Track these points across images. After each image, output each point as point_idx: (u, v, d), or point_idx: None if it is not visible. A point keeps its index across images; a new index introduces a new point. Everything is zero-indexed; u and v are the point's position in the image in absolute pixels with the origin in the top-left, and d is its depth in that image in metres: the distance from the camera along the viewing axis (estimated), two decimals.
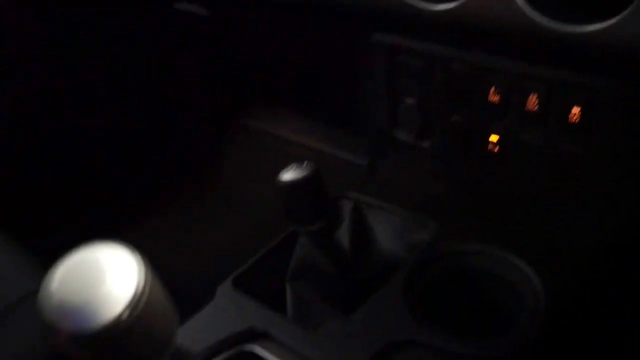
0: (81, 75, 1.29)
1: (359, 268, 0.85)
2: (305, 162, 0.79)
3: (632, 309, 0.73)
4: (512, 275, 0.76)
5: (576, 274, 0.73)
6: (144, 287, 0.40)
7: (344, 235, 0.87)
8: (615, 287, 0.73)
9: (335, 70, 1.14)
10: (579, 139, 0.74)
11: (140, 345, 0.41)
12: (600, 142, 0.72)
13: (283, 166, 0.78)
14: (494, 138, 0.82)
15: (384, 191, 0.91)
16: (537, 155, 0.79)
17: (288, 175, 0.78)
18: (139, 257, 0.42)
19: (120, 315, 0.39)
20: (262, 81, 1.33)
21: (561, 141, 0.76)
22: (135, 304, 0.40)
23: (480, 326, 0.73)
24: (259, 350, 0.69)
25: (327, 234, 0.85)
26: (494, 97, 0.79)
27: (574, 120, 0.73)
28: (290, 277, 0.83)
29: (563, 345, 0.70)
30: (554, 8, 0.64)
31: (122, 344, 0.40)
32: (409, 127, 0.92)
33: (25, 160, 1.30)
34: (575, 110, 0.72)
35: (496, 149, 0.82)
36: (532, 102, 0.76)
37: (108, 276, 0.40)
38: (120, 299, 0.39)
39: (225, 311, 0.74)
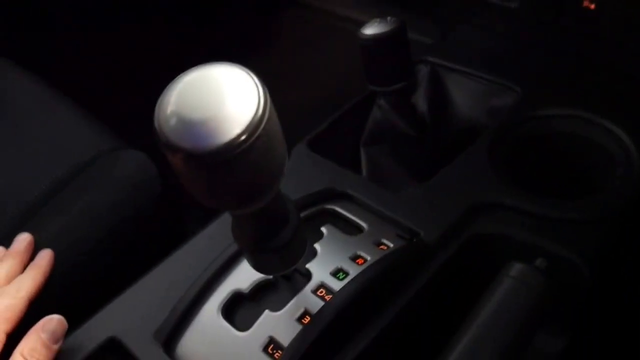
0: None
1: (436, 133, 0.82)
2: (389, 17, 0.75)
3: None
4: (603, 139, 0.72)
5: None
6: (264, 110, 0.38)
7: (421, 98, 0.83)
8: None
9: None
10: None
11: (257, 169, 0.40)
12: None
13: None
14: None
15: (463, 55, 0.86)
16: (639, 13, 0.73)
17: (371, 29, 0.74)
18: (257, 79, 0.40)
19: (239, 136, 0.38)
20: None
21: None
22: (255, 126, 0.38)
23: (570, 190, 0.70)
24: (340, 209, 0.68)
25: (405, 97, 0.81)
26: None
27: None
28: (365, 141, 0.81)
29: None
30: None
31: (239, 165, 0.39)
32: None
33: None
34: None
35: (592, 6, 0.76)
36: None
37: (227, 96, 0.39)
38: (241, 120, 0.38)
39: (302, 172, 0.72)
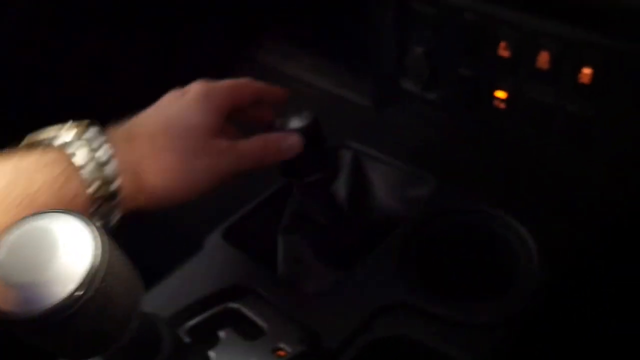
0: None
1: (355, 222, 0.83)
2: (304, 109, 0.76)
3: (632, 283, 0.70)
4: (508, 235, 0.73)
5: (575, 242, 0.71)
6: (100, 266, 0.37)
7: (341, 187, 0.84)
8: (616, 261, 0.71)
9: (347, 9, 1.09)
10: (590, 101, 0.70)
11: (96, 325, 0.39)
12: (612, 106, 0.68)
13: (285, 106, 0.75)
14: (501, 94, 0.78)
15: (385, 141, 0.88)
16: (545, 114, 0.75)
17: (284, 123, 0.75)
18: (94, 227, 0.39)
19: (72, 295, 0.36)
20: (271, 14, 1.28)
21: (571, 102, 0.72)
22: (89, 281, 0.37)
23: (477, 287, 0.71)
24: (244, 308, 0.68)
25: (323, 186, 0.82)
26: (504, 52, 0.75)
27: (584, 82, 0.69)
28: (283, 230, 0.81)
29: (558, 313, 0.68)
30: None
31: (74, 325, 0.37)
32: (416, 77, 0.89)
33: None
34: (587, 70, 0.68)
35: (503, 106, 0.78)
36: (543, 59, 0.71)
37: (57, 253, 0.37)
38: (74, 276, 0.37)
39: (212, 265, 0.72)
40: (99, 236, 0.38)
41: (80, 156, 0.55)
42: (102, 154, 0.56)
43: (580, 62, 0.68)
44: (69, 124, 0.58)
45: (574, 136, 0.73)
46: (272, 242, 0.80)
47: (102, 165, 0.56)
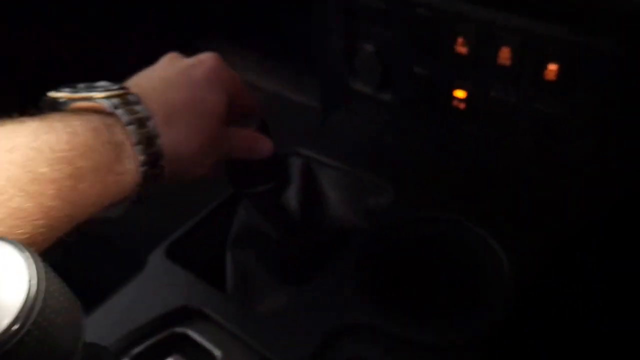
0: None
1: (308, 234, 0.78)
2: (251, 116, 0.70)
3: (603, 294, 0.67)
4: (475, 245, 0.69)
5: (545, 252, 0.67)
6: (38, 293, 0.32)
7: (292, 197, 0.79)
8: (588, 272, 0.67)
9: (292, 5, 1.03)
10: (555, 98, 0.66)
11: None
12: (578, 104, 0.65)
13: None
14: (460, 94, 0.73)
15: (338, 147, 0.83)
16: (508, 114, 0.71)
17: None
18: (29, 253, 0.34)
19: (7, 330, 0.31)
20: (213, 12, 1.22)
21: (536, 100, 0.68)
22: (26, 314, 0.32)
23: (442, 303, 0.67)
24: (192, 332, 0.62)
25: (273, 196, 0.77)
26: (461, 48, 0.71)
27: (550, 78, 0.65)
28: (231, 245, 0.75)
29: (528, 333, 0.64)
30: None
31: None
32: (367, 77, 0.84)
33: None
34: (552, 67, 0.64)
35: (463, 106, 0.74)
36: (504, 55, 0.67)
37: None
38: (8, 308, 0.31)
39: (155, 285, 0.66)
40: (34, 263, 0.33)
41: (125, 116, 0.53)
42: (142, 114, 0.54)
43: (545, 57, 0.64)
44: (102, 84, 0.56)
45: (539, 136, 0.69)
46: (221, 258, 0.74)
47: (143, 123, 0.54)
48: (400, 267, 0.69)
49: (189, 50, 0.67)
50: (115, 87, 0.55)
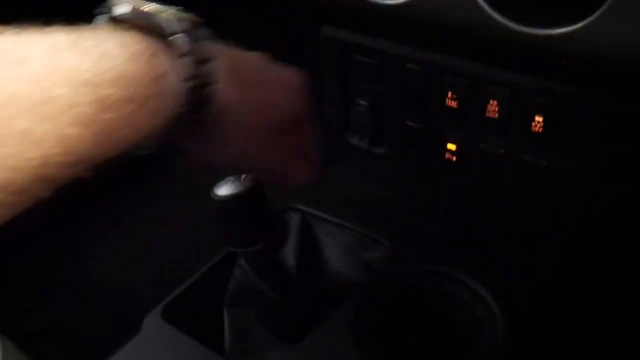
0: None
1: (306, 291, 0.77)
2: (244, 175, 0.71)
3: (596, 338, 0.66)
4: (469, 299, 0.68)
5: (537, 300, 0.66)
6: None
7: (290, 253, 0.79)
8: (579, 314, 0.67)
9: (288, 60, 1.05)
10: (542, 149, 0.67)
11: None
12: (565, 154, 0.65)
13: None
14: (451, 146, 0.74)
15: (334, 202, 0.83)
16: (498, 165, 0.71)
17: (223, 189, 0.69)
18: None
19: None
20: None
21: (524, 151, 0.68)
22: None
23: (438, 355, 0.67)
24: None
25: (270, 254, 0.77)
26: (451, 102, 0.72)
27: (537, 130, 0.66)
28: (228, 303, 0.75)
29: None
30: (518, 8, 0.56)
31: None
32: (362, 131, 0.84)
33: None
34: (539, 118, 0.65)
35: (454, 158, 0.74)
36: (493, 108, 0.68)
37: None
38: None
39: (152, 348, 0.66)
40: None
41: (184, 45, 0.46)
42: (206, 55, 0.47)
43: (530, 109, 0.65)
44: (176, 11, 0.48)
45: (527, 186, 0.69)
46: (218, 319, 0.74)
47: (203, 62, 0.47)
48: (396, 322, 0.69)
49: None
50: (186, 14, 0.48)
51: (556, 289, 0.68)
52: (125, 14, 0.46)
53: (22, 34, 0.41)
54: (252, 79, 0.53)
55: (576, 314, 0.69)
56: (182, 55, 0.45)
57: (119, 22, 0.46)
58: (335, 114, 0.86)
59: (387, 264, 0.73)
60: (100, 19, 0.47)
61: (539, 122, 0.65)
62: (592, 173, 0.65)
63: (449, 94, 0.71)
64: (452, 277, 0.70)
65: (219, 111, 0.49)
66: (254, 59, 0.56)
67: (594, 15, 0.49)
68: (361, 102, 0.82)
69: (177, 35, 0.45)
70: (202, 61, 0.46)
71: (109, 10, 0.47)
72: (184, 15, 0.47)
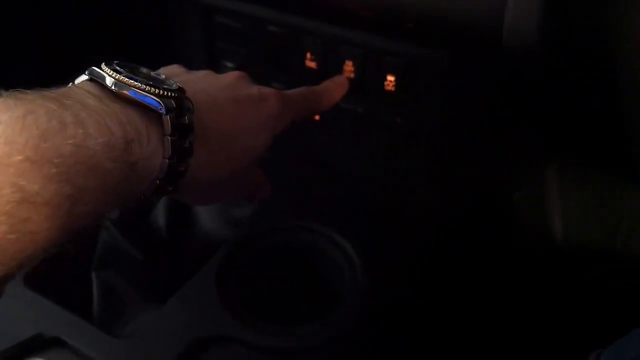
0: None
1: (175, 251, 0.78)
2: None
3: (460, 303, 0.71)
4: (333, 252, 0.71)
5: (393, 248, 0.70)
6: None
7: (160, 215, 0.79)
8: (442, 279, 0.71)
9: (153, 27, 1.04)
10: (396, 107, 0.70)
11: None
12: (415, 112, 0.68)
13: None
14: None
15: None
16: (357, 123, 0.74)
17: None
18: None
19: None
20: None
21: (380, 110, 0.71)
22: None
23: (303, 309, 0.69)
24: None
25: (138, 216, 0.77)
26: (311, 63, 0.73)
27: (389, 89, 0.68)
28: (96, 267, 0.75)
29: (383, 335, 0.67)
30: None
31: None
32: None
33: None
34: (390, 78, 0.68)
35: (317, 117, 0.77)
36: (349, 68, 0.70)
37: None
38: None
39: (11, 315, 0.65)
40: None
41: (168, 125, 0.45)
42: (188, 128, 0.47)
43: (383, 69, 0.67)
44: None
45: (385, 144, 0.72)
46: (86, 283, 0.74)
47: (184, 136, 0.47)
48: (263, 276, 0.71)
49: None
50: (173, 85, 0.47)
51: (412, 239, 0.72)
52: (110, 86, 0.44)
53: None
54: (224, 140, 0.53)
55: (430, 258, 0.73)
56: (165, 135, 0.45)
57: (104, 89, 0.45)
58: None
59: (253, 220, 0.75)
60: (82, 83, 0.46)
61: (391, 81, 0.68)
62: (440, 129, 0.68)
63: (308, 55, 0.73)
64: (313, 230, 0.72)
65: (189, 180, 0.49)
66: (226, 109, 0.55)
67: None
68: (228, 64, 0.83)
69: (162, 115, 0.45)
70: (182, 137, 0.46)
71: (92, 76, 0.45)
72: (169, 84, 0.47)
